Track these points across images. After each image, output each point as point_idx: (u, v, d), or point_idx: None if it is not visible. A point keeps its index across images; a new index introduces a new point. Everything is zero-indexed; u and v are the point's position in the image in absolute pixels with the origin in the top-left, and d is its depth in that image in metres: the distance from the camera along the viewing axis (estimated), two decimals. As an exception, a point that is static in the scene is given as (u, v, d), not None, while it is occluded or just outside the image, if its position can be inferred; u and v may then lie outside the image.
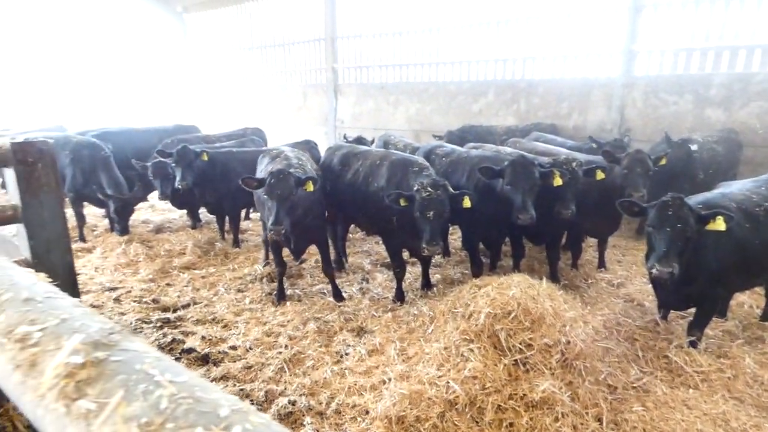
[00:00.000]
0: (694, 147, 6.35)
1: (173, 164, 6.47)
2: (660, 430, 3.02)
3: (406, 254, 5.23)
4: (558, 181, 4.47)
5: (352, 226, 6.26)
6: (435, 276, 5.66)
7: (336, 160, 5.65)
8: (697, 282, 3.73)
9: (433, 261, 5.77)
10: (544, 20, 10.12)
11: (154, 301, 5.10)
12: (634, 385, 3.48)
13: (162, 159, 6.76)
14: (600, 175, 4.88)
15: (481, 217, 4.65)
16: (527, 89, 10.36)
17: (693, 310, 4.02)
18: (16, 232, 2.73)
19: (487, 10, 10.75)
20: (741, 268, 3.80)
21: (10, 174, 2.51)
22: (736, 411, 3.17)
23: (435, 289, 5.28)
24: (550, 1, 9.96)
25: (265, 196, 4.47)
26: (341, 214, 5.82)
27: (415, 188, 4.30)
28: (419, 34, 12.03)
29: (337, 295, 5.11)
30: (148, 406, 0.39)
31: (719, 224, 3.48)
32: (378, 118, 12.98)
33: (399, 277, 5.02)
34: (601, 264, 5.87)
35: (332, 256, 5.65)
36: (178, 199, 7.29)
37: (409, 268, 5.44)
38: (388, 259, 6.01)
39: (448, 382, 3.24)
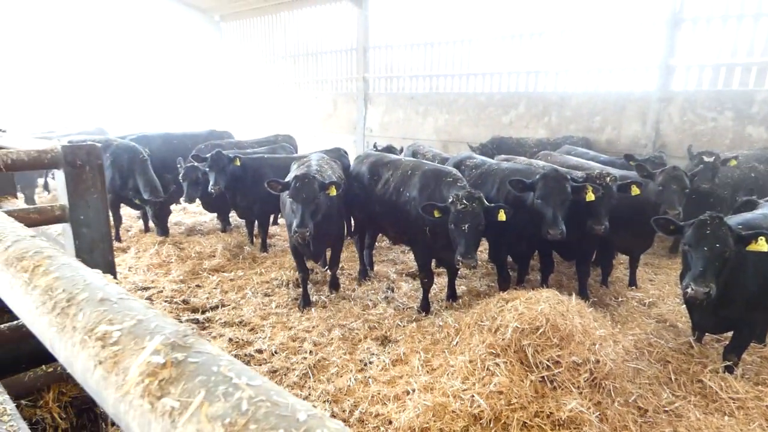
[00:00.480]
0: (709, 159, 6.16)
1: (207, 168, 6.65)
2: (693, 458, 2.92)
3: (431, 264, 5.23)
4: (591, 197, 4.40)
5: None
6: (461, 287, 5.63)
7: (365, 168, 5.70)
8: (735, 305, 3.60)
9: (459, 272, 5.74)
10: (578, 33, 10.01)
11: (184, 302, 5.24)
12: (666, 409, 3.36)
13: (195, 163, 6.96)
14: (635, 190, 4.77)
15: (511, 230, 4.61)
16: (559, 102, 10.24)
17: (729, 333, 3.88)
18: (61, 231, 2.86)
19: (520, 22, 10.71)
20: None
21: (60, 175, 2.64)
22: (775, 441, 3.04)
23: (460, 300, 5.25)
24: (585, 13, 9.86)
25: (290, 199, 4.58)
26: (369, 222, 5.86)
27: (450, 200, 4.31)
28: (450, 45, 12.07)
29: (335, 285, 5.55)
30: (230, 407, 0.42)
31: (762, 245, 3.36)
32: (407, 128, 13.04)
33: (426, 287, 5.02)
34: (632, 282, 5.72)
35: (357, 266, 5.70)
36: (210, 202, 7.50)
37: (435, 279, 5.43)
38: (414, 269, 6.04)
39: (473, 396, 3.22)
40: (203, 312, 5.04)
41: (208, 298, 5.33)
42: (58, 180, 2.76)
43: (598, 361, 3.51)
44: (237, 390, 0.43)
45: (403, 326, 4.67)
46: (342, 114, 14.78)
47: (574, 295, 4.11)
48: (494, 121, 11.20)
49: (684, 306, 4.17)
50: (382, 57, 13.63)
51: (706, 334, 4.21)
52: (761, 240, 3.34)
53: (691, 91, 8.79)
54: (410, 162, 5.53)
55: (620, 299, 5.30)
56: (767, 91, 8.08)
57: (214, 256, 6.59)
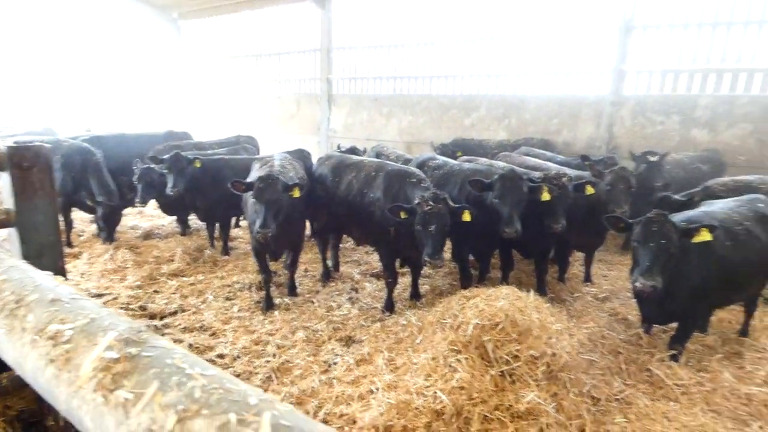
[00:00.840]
0: (653, 158, 6.58)
1: (165, 170, 6.47)
2: (642, 442, 3.09)
3: (396, 264, 5.29)
4: (546, 196, 4.57)
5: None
6: (424, 287, 5.71)
7: (327, 170, 5.70)
8: (679, 297, 3.82)
9: (423, 272, 5.82)
10: (536, 38, 10.36)
11: (141, 308, 5.08)
12: (617, 397, 3.54)
13: (151, 165, 6.77)
14: (590, 190, 4.99)
15: (472, 229, 4.73)
16: (519, 105, 10.56)
17: (675, 324, 4.12)
18: (6, 236, 2.73)
19: (481, 26, 10.98)
20: (722, 284, 3.91)
21: (5, 178, 2.53)
22: (714, 423, 3.24)
23: (424, 299, 5.33)
24: (542, 19, 10.22)
25: (253, 200, 4.54)
26: (333, 224, 5.86)
27: (416, 201, 4.37)
28: (413, 48, 12.23)
29: (292, 288, 5.48)
30: (183, 396, 0.44)
31: (705, 235, 3.60)
32: (371, 129, 13.10)
33: (390, 287, 5.07)
34: (587, 278, 5.98)
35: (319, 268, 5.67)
36: (168, 205, 7.29)
37: (399, 278, 5.49)
38: (378, 269, 6.08)
39: (435, 393, 3.28)
40: (162, 318, 4.90)
41: (166, 304, 5.18)
42: (3, 183, 2.64)
43: (554, 354, 3.64)
44: (190, 380, 0.45)
45: (368, 326, 4.70)
46: (305, 115, 14.68)
47: (532, 291, 4.25)
48: (456, 122, 11.42)
49: (635, 299, 4.39)
50: (345, 58, 13.64)
51: (655, 325, 4.45)
52: (703, 231, 3.58)
53: (641, 95, 9.26)
54: (374, 163, 5.56)
55: (576, 294, 5.52)
56: (710, 97, 8.62)
57: (173, 261, 6.41)
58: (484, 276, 5.65)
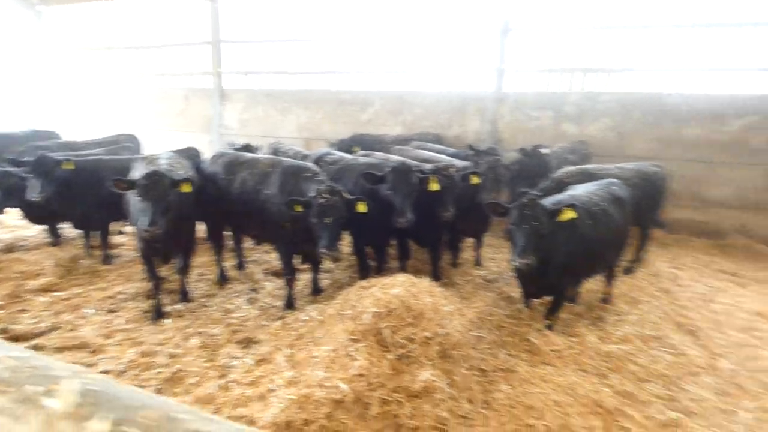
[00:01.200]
0: (545, 150, 7.33)
1: (30, 174, 5.74)
2: (522, 404, 3.42)
3: (296, 261, 5.24)
4: (434, 186, 4.84)
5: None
6: (325, 281, 5.74)
7: (220, 168, 5.47)
8: (552, 273, 4.28)
9: (323, 267, 5.84)
10: (425, 36, 10.85)
11: (3, 330, 4.47)
12: (501, 367, 3.88)
13: (8, 168, 5.97)
14: (475, 179, 5.37)
15: (367, 221, 4.85)
16: (412, 100, 10.98)
17: (550, 298, 4.61)
18: None
19: (376, 22, 11.22)
20: (585, 259, 4.45)
21: None
22: (582, 380, 3.70)
23: (325, 293, 5.36)
24: (432, 19, 10.72)
25: (139, 198, 4.22)
26: (228, 223, 5.64)
27: (312, 194, 4.37)
28: (309, 43, 12.12)
29: (185, 293, 5.21)
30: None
31: (569, 213, 4.06)
32: (267, 126, 12.74)
33: (290, 283, 5.02)
34: (478, 262, 6.44)
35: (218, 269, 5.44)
36: (34, 213, 6.46)
37: (299, 275, 5.46)
38: (277, 267, 5.98)
39: (335, 383, 3.33)
40: (30, 339, 4.35)
41: (36, 323, 4.61)
42: None
43: (447, 334, 3.89)
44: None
45: (268, 326, 4.61)
46: (195, 111, 13.84)
47: (427, 277, 4.48)
48: (353, 118, 11.54)
49: (516, 278, 4.82)
50: (238, 52, 13.11)
51: (533, 300, 4.93)
52: (567, 210, 4.04)
53: (520, 92, 10.12)
54: (268, 160, 5.45)
55: (468, 278, 5.93)
56: (576, 94, 9.69)
57: (42, 274, 5.70)
58: (382, 266, 5.82)
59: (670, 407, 3.57)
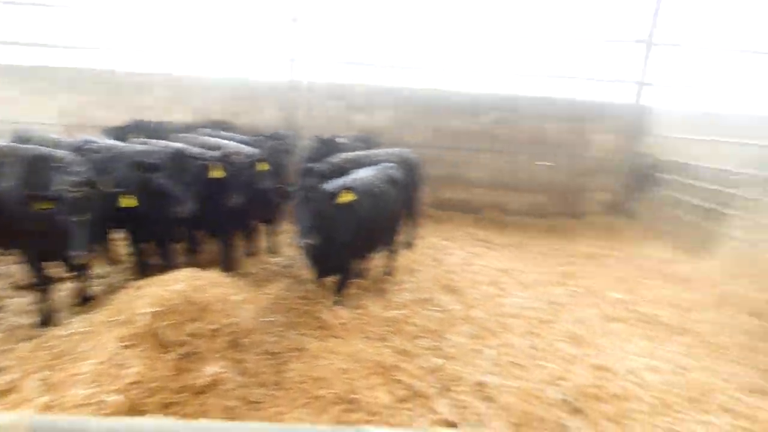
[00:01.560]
0: (341, 139, 7.73)
1: None
2: (311, 378, 3.60)
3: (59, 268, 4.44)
4: (216, 173, 4.65)
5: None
6: (97, 288, 5.02)
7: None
8: (336, 252, 4.57)
9: (92, 272, 5.08)
10: (213, 21, 10.26)
11: None
12: (293, 347, 4.00)
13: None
14: (262, 166, 5.31)
15: (143, 215, 4.39)
16: (202, 86, 10.28)
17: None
18: None
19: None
20: (365, 237, 4.86)
21: None
22: (366, 346, 4.07)
23: (95, 302, 4.68)
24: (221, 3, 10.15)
25: None
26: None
27: (61, 188, 3.73)
28: (69, 9, 10.17)
29: None
30: None
31: (347, 196, 4.37)
32: (15, 110, 10.32)
33: (43, 296, 4.23)
34: (272, 249, 6.46)
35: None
36: None
37: (63, 284, 4.66)
38: (29, 279, 4.97)
39: (101, 398, 2.96)
40: None
41: None
42: None
43: (237, 323, 3.83)
44: None
45: (14, 349, 3.82)
46: None
47: (214, 269, 4.30)
48: (132, 104, 10.22)
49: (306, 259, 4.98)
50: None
51: (324, 278, 5.18)
52: (345, 192, 4.34)
53: (313, 83, 10.38)
54: (4, 149, 4.45)
55: (264, 266, 5.91)
56: (364, 86, 10.40)
57: None
58: (170, 263, 5.35)
59: (435, 356, 4.19)
